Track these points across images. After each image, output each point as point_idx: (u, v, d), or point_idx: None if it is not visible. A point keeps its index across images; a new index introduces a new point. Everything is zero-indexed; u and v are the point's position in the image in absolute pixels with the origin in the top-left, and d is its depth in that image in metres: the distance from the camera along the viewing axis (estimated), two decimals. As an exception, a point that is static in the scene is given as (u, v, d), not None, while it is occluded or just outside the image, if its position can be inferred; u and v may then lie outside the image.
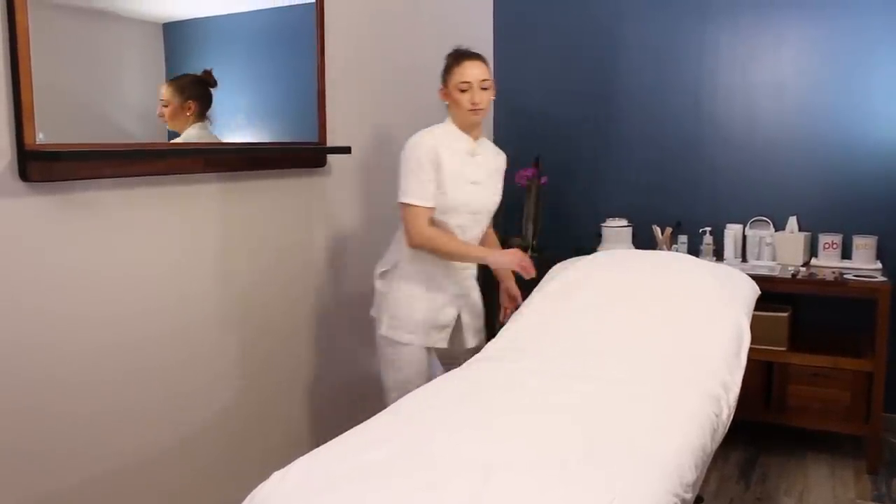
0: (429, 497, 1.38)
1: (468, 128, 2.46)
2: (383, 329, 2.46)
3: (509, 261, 2.42)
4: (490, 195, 2.55)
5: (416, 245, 2.38)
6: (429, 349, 2.48)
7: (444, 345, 2.48)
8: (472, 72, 2.38)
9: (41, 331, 1.82)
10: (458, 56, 2.42)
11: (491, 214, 2.60)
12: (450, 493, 1.38)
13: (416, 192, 2.34)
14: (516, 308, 2.54)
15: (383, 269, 2.52)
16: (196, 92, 2.17)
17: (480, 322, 2.63)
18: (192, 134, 2.18)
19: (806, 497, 2.88)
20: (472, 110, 2.39)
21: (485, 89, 2.40)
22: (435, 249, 2.39)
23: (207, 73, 2.19)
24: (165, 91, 2.10)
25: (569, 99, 3.84)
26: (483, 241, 2.62)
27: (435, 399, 1.85)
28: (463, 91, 2.38)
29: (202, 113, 2.20)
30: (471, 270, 2.59)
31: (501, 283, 2.67)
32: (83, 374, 1.93)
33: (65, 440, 1.90)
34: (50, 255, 1.83)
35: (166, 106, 2.09)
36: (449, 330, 2.50)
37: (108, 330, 1.99)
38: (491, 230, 2.72)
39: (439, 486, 1.41)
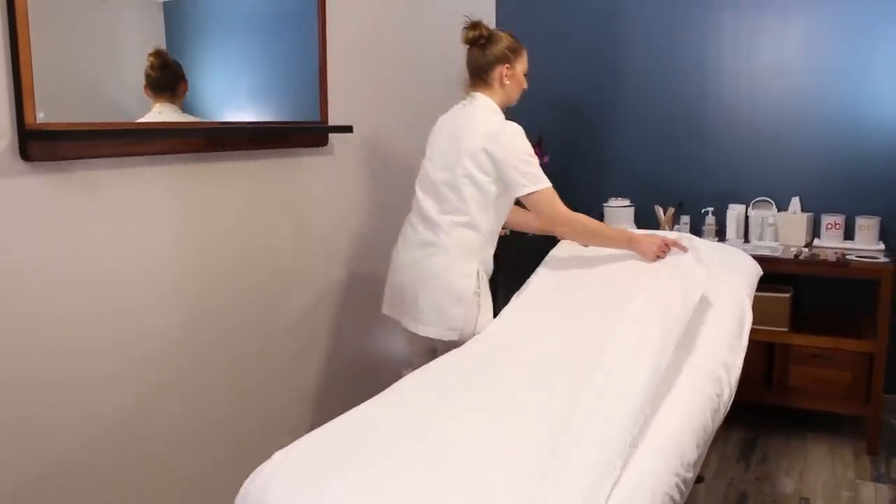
0: (430, 477, 1.38)
1: (505, 108, 2.46)
2: (457, 338, 2.31)
3: (654, 252, 2.36)
4: None
5: (572, 227, 2.39)
6: None
7: None
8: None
9: (42, 307, 1.82)
10: (519, 40, 2.46)
11: None
12: (449, 475, 1.39)
13: (542, 175, 2.32)
14: None
15: (467, 281, 2.33)
16: (145, 77, 2.07)
17: None
18: (147, 115, 2.08)
19: (805, 477, 2.89)
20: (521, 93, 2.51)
21: None
22: (586, 229, 2.40)
23: (148, 57, 2.08)
24: None
25: (572, 78, 3.81)
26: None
27: (435, 381, 1.85)
28: (526, 75, 2.46)
29: (156, 95, 2.09)
30: None
31: None
32: (84, 349, 1.94)
33: (60, 409, 1.90)
34: (51, 234, 1.83)
35: None
36: None
37: (107, 307, 1.99)
38: None
39: (440, 468, 1.42)
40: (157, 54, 2.08)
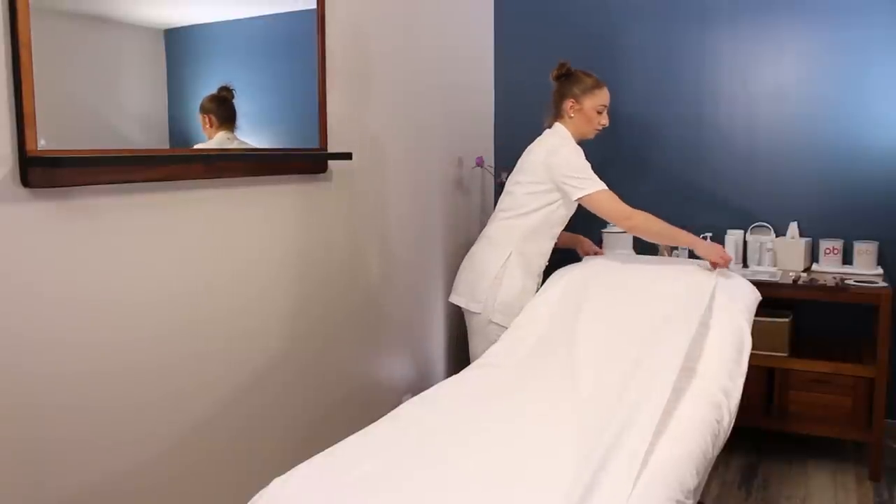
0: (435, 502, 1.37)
1: (581, 138, 2.81)
2: (497, 318, 2.70)
3: (716, 254, 2.62)
4: None
5: (633, 222, 2.63)
6: None
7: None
8: (607, 98, 2.81)
9: (42, 333, 1.82)
10: (599, 81, 2.81)
11: None
12: (450, 497, 1.38)
13: (598, 180, 2.63)
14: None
15: (496, 261, 2.73)
16: (209, 107, 2.29)
17: None
18: (209, 142, 2.30)
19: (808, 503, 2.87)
20: (598, 129, 2.84)
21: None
22: (653, 225, 2.65)
23: (219, 90, 2.32)
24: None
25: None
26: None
27: (434, 406, 1.85)
28: (598, 112, 2.80)
29: (221, 124, 2.33)
30: None
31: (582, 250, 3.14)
32: (85, 378, 1.93)
33: (66, 436, 1.90)
34: (51, 260, 1.83)
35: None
36: None
37: (108, 332, 1.99)
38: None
39: (439, 497, 1.41)
40: (228, 90, 2.31)
